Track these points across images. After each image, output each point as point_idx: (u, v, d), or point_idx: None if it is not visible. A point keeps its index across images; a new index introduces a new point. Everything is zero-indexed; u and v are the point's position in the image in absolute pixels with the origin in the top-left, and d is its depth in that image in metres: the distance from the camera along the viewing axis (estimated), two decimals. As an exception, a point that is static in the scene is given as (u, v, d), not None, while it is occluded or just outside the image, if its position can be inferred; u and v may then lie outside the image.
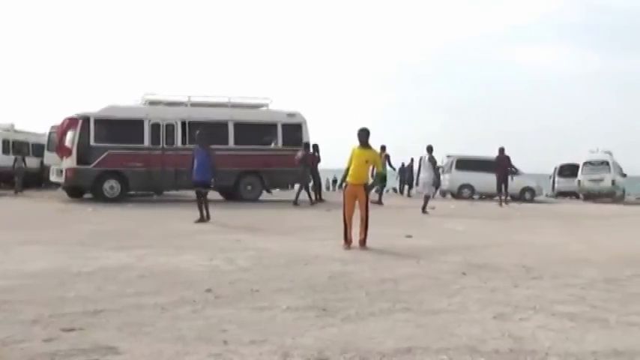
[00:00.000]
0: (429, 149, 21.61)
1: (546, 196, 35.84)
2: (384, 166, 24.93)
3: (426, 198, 21.24)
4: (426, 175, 21.61)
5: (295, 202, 22.53)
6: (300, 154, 23.33)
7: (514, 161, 27.11)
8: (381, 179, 25.10)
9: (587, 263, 10.40)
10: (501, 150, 26.78)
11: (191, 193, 23.96)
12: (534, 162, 29.45)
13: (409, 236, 13.20)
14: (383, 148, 26.92)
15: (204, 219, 15.68)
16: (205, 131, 16.94)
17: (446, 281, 8.41)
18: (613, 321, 6.46)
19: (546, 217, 21.09)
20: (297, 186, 24.25)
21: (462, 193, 30.16)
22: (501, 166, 26.51)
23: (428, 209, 20.69)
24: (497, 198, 26.33)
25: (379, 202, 23.79)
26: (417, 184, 27.22)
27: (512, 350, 5.29)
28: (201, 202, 15.89)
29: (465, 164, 30.37)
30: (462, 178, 29.77)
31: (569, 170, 36.46)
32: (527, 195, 30.60)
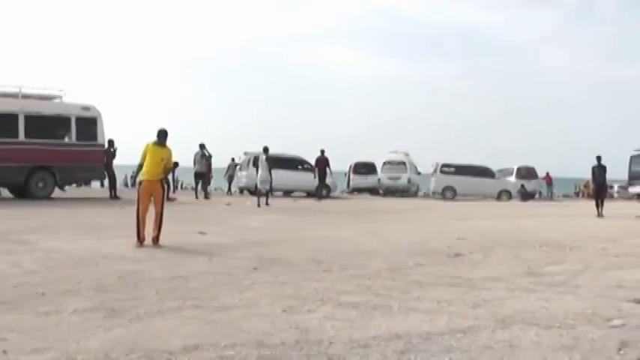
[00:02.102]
0: (265, 150, 24.43)
1: (341, 192, 37.12)
2: (208, 166, 27.16)
3: (267, 193, 24.08)
4: (263, 174, 23.74)
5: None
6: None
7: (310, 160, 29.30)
8: (198, 176, 27.17)
9: (374, 255, 10.93)
10: (322, 151, 31.13)
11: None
12: (331, 160, 30.52)
13: (203, 233, 13.18)
14: (202, 146, 27.66)
15: None
16: None
17: (237, 277, 8.48)
18: (395, 307, 6.85)
19: (340, 212, 21.82)
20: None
21: (261, 190, 30.36)
22: (321, 165, 30.76)
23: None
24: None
25: (206, 197, 26.26)
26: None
27: (299, 341, 5.43)
28: None
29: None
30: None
31: (363, 168, 38.25)
32: (323, 191, 31.42)
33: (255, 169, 29.05)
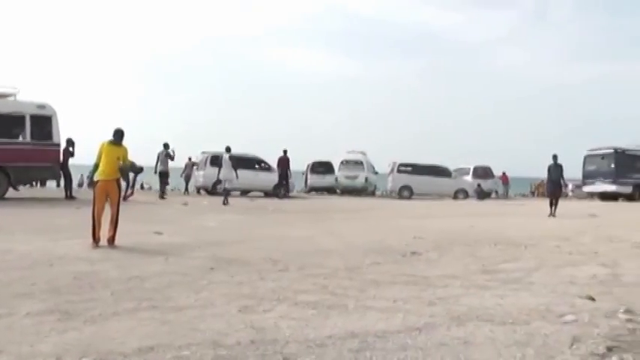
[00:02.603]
0: (228, 149, 25.49)
1: (297, 192, 37.17)
2: (166, 164, 27.07)
3: (227, 192, 24.91)
4: (226, 172, 24.78)
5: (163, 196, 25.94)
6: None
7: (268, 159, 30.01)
8: (163, 175, 27.32)
9: (331, 254, 10.97)
10: (285, 151, 31.76)
11: None
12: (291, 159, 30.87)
13: (159, 233, 13.12)
14: (166, 145, 27.49)
15: None
16: None
17: (193, 277, 8.44)
18: (351, 306, 6.88)
19: (297, 212, 21.85)
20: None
21: (217, 189, 30.22)
22: (283, 165, 31.53)
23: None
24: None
25: (162, 197, 26.40)
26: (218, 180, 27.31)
27: (254, 341, 5.43)
28: None
29: (219, 161, 30.23)
30: (217, 174, 29.77)
31: (321, 167, 38.33)
32: (282, 191, 31.42)
33: (212, 168, 29.20)
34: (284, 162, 31.58)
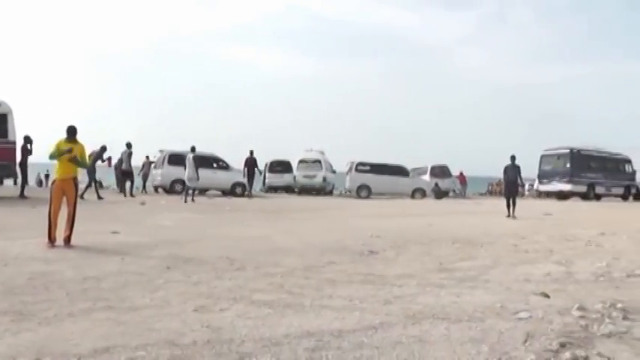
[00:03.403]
0: (193, 149, 25.88)
1: (255, 191, 37.11)
2: (129, 163, 27.42)
3: (193, 190, 25.44)
4: (191, 172, 25.18)
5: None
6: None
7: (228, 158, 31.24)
8: (127, 175, 27.73)
9: (288, 253, 10.99)
10: (251, 152, 32.64)
11: None
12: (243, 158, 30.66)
13: (116, 232, 13.02)
14: (129, 145, 27.58)
15: None
16: None
17: (150, 277, 8.41)
18: (308, 305, 6.92)
19: (255, 211, 21.77)
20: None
21: (175, 187, 29.99)
22: (250, 165, 32.25)
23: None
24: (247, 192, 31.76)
25: (131, 195, 26.65)
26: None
27: (210, 340, 5.44)
28: None
29: (177, 159, 29.86)
30: (175, 173, 29.50)
31: (279, 166, 38.38)
32: (238, 190, 31.30)
33: (170, 166, 29.14)
34: (250, 162, 31.86)
